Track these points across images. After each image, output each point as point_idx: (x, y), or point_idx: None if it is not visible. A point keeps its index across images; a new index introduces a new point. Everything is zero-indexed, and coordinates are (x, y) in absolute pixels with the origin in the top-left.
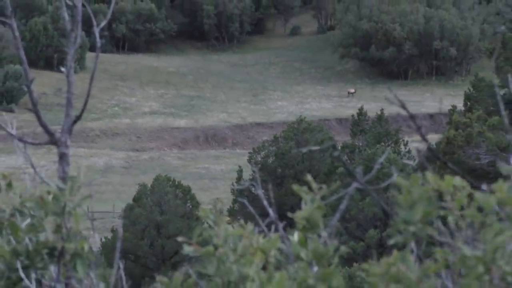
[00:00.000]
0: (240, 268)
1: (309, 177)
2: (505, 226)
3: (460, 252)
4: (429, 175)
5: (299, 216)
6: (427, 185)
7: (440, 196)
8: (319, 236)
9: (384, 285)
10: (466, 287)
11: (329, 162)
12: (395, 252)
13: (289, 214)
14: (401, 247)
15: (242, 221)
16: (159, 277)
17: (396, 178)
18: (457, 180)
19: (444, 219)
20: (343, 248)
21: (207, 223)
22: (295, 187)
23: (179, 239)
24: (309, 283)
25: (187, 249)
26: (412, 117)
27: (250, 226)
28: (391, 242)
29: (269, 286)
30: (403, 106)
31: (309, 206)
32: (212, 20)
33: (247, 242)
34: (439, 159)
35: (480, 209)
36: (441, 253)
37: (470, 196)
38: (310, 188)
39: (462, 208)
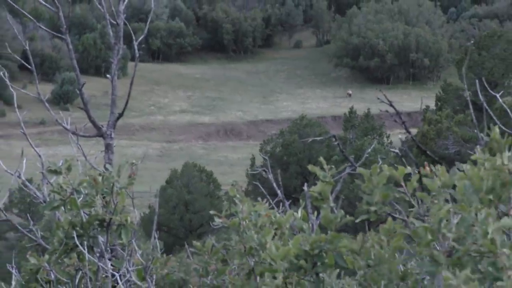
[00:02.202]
0: (260, 237)
1: (321, 159)
2: (448, 204)
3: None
4: (386, 166)
5: (314, 190)
6: (382, 173)
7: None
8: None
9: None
10: (419, 253)
11: (325, 151)
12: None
13: (305, 189)
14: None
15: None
16: (194, 243)
17: (380, 163)
18: (408, 169)
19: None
20: (348, 217)
21: (229, 200)
22: (311, 166)
23: (211, 212)
24: (319, 244)
25: (217, 221)
26: (398, 113)
27: (265, 205)
28: (357, 220)
29: (287, 246)
30: (391, 105)
31: (321, 182)
32: (230, 36)
33: (267, 217)
34: (420, 148)
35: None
36: (399, 227)
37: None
38: (322, 168)
39: (414, 191)
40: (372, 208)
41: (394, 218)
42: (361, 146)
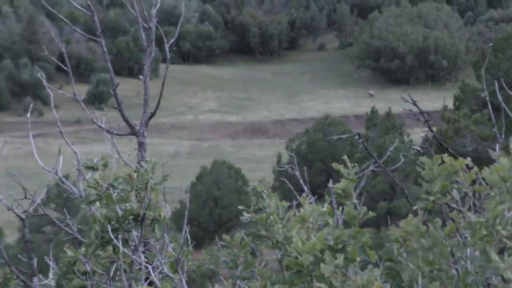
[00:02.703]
0: (286, 231)
1: (345, 157)
2: (505, 198)
3: (467, 217)
4: (446, 157)
5: (338, 187)
6: (445, 164)
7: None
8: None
9: (415, 240)
10: (472, 245)
11: (348, 149)
12: (420, 214)
13: (329, 185)
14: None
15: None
16: (224, 236)
17: (402, 161)
18: (468, 161)
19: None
20: (370, 213)
21: (256, 196)
22: (335, 164)
23: (240, 207)
24: (343, 239)
25: (246, 216)
26: (422, 112)
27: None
28: (415, 207)
29: (312, 241)
30: (415, 104)
31: (345, 180)
32: (257, 39)
33: (292, 212)
34: (442, 145)
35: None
36: (454, 217)
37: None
38: (345, 166)
39: (472, 183)
40: (431, 198)
41: (451, 209)
42: (382, 144)
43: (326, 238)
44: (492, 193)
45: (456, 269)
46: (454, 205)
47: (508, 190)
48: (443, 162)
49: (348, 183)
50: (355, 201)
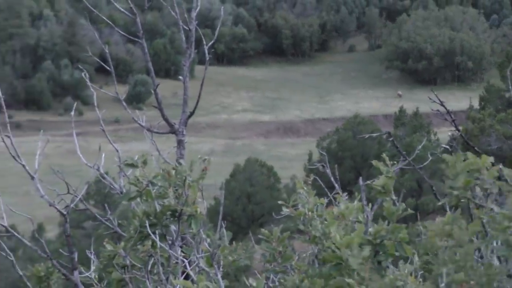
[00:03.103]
0: (324, 227)
1: (384, 155)
2: None
3: (491, 211)
4: (470, 154)
5: (377, 184)
6: (467, 161)
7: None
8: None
9: (439, 240)
10: (495, 237)
11: (376, 148)
12: (448, 213)
13: (368, 183)
14: (434, 211)
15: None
16: (263, 230)
17: (430, 159)
18: (491, 158)
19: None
20: (409, 210)
21: (289, 193)
22: (375, 162)
23: (280, 202)
24: (381, 234)
25: (285, 211)
26: (449, 112)
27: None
28: (439, 203)
29: (351, 236)
30: (442, 104)
31: (384, 177)
32: (289, 41)
33: (332, 210)
34: (468, 144)
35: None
36: (478, 212)
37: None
38: (384, 164)
39: (496, 179)
40: (455, 192)
41: (475, 204)
42: (410, 142)
43: (365, 233)
44: None
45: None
46: (477, 201)
47: None
48: (466, 159)
49: (387, 180)
50: (394, 197)
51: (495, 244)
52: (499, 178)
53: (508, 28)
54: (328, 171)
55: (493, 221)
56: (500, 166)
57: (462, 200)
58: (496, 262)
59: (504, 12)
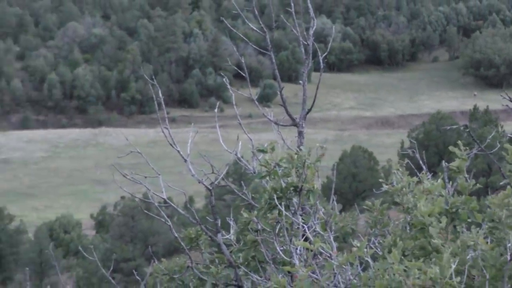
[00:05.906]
0: (414, 200)
1: (459, 142)
2: None
3: None
4: None
5: (453, 165)
6: None
7: None
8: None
9: (500, 210)
10: None
11: (455, 137)
12: (508, 188)
13: (445, 164)
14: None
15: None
16: (366, 202)
17: (498, 146)
18: None
19: None
20: (477, 185)
21: (386, 173)
22: (451, 147)
23: (380, 180)
24: (457, 205)
25: (384, 187)
26: None
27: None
28: (502, 182)
29: (432, 207)
30: (511, 100)
31: (458, 159)
32: (385, 53)
33: (421, 186)
34: None
35: None
36: None
37: None
38: (459, 149)
39: None
40: None
41: None
42: (482, 133)
43: (443, 203)
44: None
45: None
46: None
47: None
48: None
49: (460, 161)
50: (466, 175)
51: None
52: None
53: None
54: (417, 155)
55: None
56: None
57: None
58: None
59: None
